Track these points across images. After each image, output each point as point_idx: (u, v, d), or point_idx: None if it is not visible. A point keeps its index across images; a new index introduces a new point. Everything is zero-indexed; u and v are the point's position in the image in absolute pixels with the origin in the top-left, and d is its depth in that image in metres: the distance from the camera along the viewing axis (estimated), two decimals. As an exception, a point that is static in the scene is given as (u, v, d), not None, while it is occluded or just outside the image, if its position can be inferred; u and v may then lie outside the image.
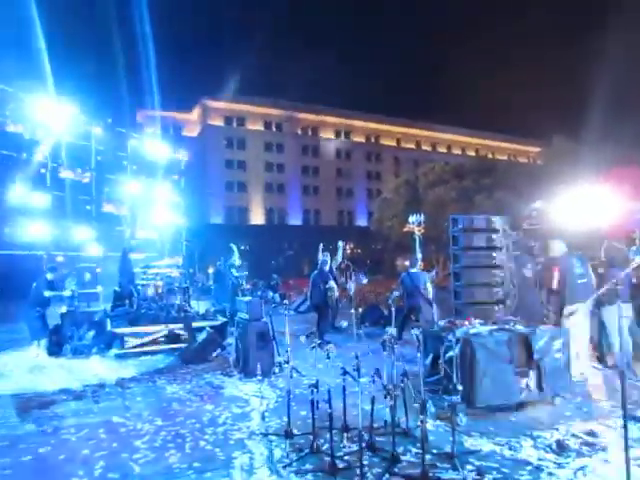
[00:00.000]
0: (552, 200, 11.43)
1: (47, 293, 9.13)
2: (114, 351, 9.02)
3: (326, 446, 4.27)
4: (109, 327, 9.47)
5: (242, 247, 16.94)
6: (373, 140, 60.11)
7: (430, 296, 9.39)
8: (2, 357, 9.24)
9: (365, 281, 12.28)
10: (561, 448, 4.25)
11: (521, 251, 8.26)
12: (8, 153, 17.63)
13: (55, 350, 9.05)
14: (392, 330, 4.63)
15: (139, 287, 10.82)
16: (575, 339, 5.94)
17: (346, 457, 4.18)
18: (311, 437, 4.36)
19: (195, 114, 52.24)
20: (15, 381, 7.39)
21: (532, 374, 5.08)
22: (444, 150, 63.75)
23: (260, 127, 53.14)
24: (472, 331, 5.20)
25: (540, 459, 4.08)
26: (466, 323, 5.37)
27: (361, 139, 59.19)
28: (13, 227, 17.56)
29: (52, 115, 17.59)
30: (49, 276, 9.30)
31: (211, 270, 23.17)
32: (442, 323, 5.68)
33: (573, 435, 4.54)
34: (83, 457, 4.40)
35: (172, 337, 9.40)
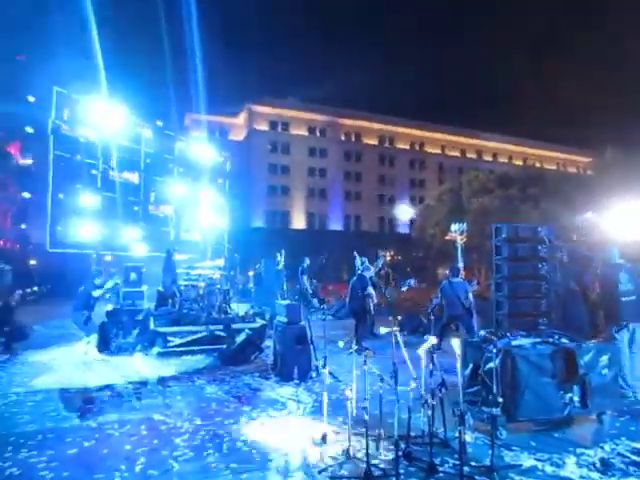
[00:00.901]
0: (604, 212, 11.03)
1: (96, 293, 9.43)
2: (156, 349, 9.25)
3: (361, 453, 4.26)
4: (152, 326, 9.72)
5: (282, 251, 17.13)
6: (417, 147, 59.54)
7: (471, 306, 9.22)
8: (51, 352, 9.62)
9: (413, 282, 12.46)
10: (606, 466, 4.10)
11: (577, 263, 7.92)
12: (62, 154, 18.34)
13: (101, 347, 9.36)
14: (431, 339, 4.57)
15: (182, 287, 11.05)
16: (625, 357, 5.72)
17: (382, 465, 4.15)
18: (347, 443, 4.36)
19: (241, 118, 53.12)
20: (62, 375, 7.68)
21: (576, 389, 4.90)
22: (490, 158, 62.45)
23: (304, 132, 53.53)
24: (514, 343, 5.07)
25: (583, 477, 3.95)
26: (508, 334, 5.25)
27: (405, 146, 58.72)
28: (65, 227, 18.26)
29: (105, 117, 18.19)
30: (97, 281, 9.61)
31: (252, 273, 23.42)
32: (483, 333, 5.57)
33: (619, 454, 4.37)
34: (125, 452, 4.54)
35: (212, 338, 9.57)
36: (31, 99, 18.06)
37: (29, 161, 18.14)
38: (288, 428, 5.18)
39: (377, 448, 4.43)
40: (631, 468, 4.10)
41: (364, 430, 4.05)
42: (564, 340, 5.16)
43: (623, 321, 6.15)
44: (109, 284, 9.75)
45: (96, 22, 19.57)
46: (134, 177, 21.28)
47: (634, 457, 4.30)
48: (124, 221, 20.07)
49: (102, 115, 18.20)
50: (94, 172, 19.59)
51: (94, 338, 9.33)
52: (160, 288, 11.44)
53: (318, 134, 54.42)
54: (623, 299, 6.19)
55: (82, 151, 19.00)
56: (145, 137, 21.55)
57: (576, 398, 4.90)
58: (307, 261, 15.32)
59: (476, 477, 3.92)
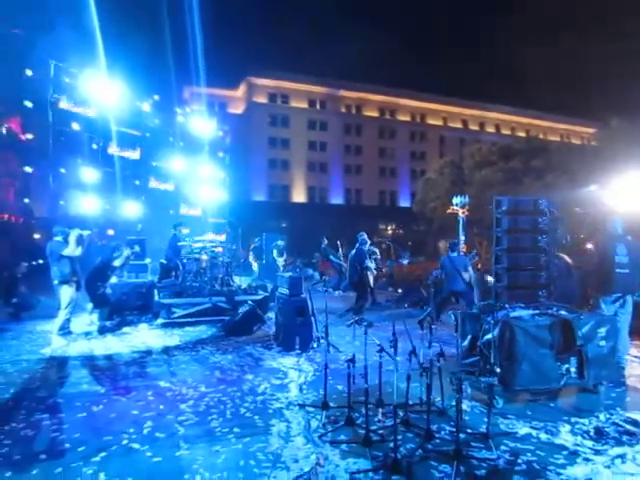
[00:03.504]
0: (608, 184, 10.96)
1: (117, 262, 9.35)
2: (160, 320, 9.40)
3: (361, 419, 4.38)
4: (157, 297, 9.85)
5: (283, 225, 17.19)
6: (418, 119, 58.89)
7: (472, 279, 9.30)
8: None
9: (406, 261, 12.35)
10: (600, 435, 4.20)
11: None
12: (62, 128, 18.22)
13: (107, 318, 9.46)
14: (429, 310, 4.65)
15: (184, 260, 11.13)
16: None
17: (380, 431, 4.27)
18: (346, 410, 4.48)
19: (240, 91, 52.49)
20: (70, 344, 7.81)
21: (573, 360, 4.99)
22: (492, 130, 61.79)
23: (304, 105, 52.91)
24: (513, 314, 5.15)
25: (577, 444, 4.05)
26: (506, 306, 5.32)
27: (406, 118, 58.08)
28: (67, 201, 18.28)
29: (103, 92, 18.03)
30: (117, 254, 9.54)
31: (252, 246, 23.45)
32: (481, 305, 5.65)
33: (614, 423, 4.47)
34: (133, 417, 4.68)
35: (215, 309, 9.71)
36: (29, 73, 17.83)
37: (30, 136, 18.02)
38: (289, 395, 5.31)
39: (376, 415, 4.54)
40: (625, 437, 4.19)
41: (363, 398, 4.16)
42: (563, 312, 5.24)
43: (614, 292, 6.21)
44: (126, 253, 9.68)
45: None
46: (135, 152, 21.22)
47: (628, 427, 4.39)
48: (125, 195, 20.08)
49: (100, 89, 18.04)
50: (94, 147, 19.54)
51: (105, 310, 9.28)
52: (163, 261, 11.54)
53: (318, 107, 53.81)
54: (617, 271, 6.24)
55: (82, 125, 18.89)
56: (144, 111, 21.42)
57: (573, 369, 4.99)
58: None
59: (472, 443, 4.05)
